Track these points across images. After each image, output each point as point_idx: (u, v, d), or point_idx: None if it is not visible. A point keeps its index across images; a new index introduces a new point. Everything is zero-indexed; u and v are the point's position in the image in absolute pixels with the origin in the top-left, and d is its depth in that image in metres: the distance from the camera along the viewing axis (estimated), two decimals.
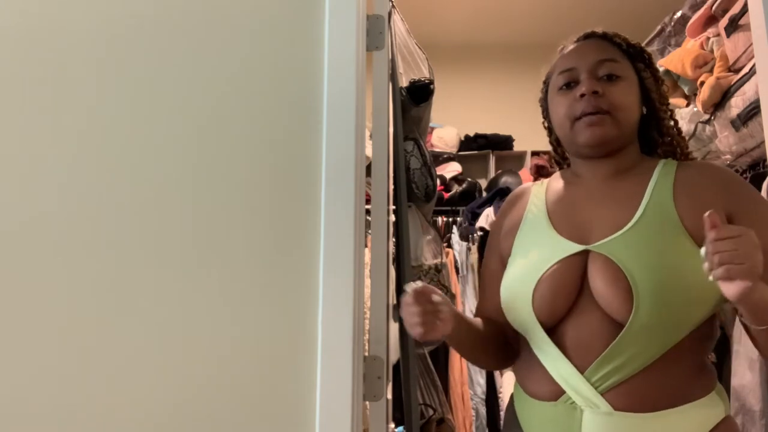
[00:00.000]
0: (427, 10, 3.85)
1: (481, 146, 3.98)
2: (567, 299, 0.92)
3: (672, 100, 2.17)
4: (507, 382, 2.85)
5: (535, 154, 3.89)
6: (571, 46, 1.06)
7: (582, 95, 0.97)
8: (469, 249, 3.15)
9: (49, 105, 1.16)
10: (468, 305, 3.02)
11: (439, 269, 1.65)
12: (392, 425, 1.45)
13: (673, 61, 2.10)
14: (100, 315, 1.09)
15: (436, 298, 0.88)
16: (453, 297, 1.63)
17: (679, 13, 2.28)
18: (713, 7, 1.96)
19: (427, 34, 3.73)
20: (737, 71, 1.83)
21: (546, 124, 1.14)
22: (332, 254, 1.10)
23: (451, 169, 3.77)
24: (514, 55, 4.25)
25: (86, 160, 1.14)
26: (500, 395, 2.90)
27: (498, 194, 3.25)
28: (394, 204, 1.56)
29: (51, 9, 1.19)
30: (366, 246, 1.29)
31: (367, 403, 1.16)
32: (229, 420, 1.06)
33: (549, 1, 3.76)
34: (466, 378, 2.90)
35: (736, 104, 1.78)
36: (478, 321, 1.05)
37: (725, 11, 1.89)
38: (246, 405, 1.07)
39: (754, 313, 0.80)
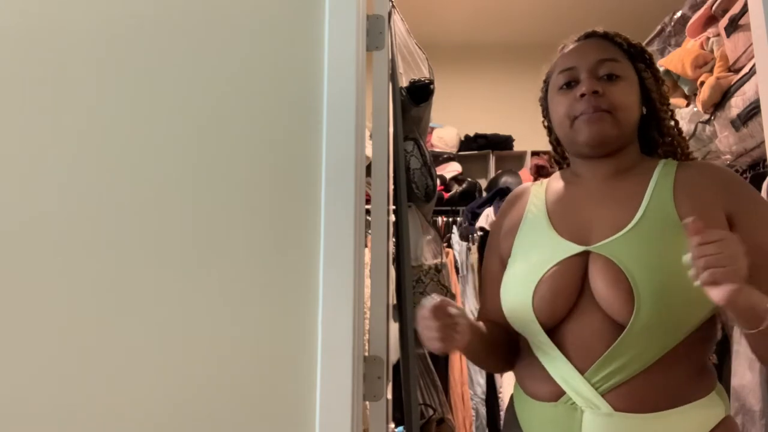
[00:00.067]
0: (427, 10, 3.85)
1: (481, 146, 3.99)
2: (567, 300, 0.92)
3: (672, 100, 2.16)
4: (507, 382, 2.85)
5: (535, 154, 3.89)
6: (572, 46, 1.06)
7: (582, 95, 0.97)
8: (469, 249, 3.15)
9: (49, 105, 1.16)
10: (468, 305, 3.02)
11: (439, 269, 1.65)
12: (392, 425, 1.45)
13: (673, 61, 2.10)
14: (100, 315, 1.09)
15: (453, 310, 0.89)
16: (453, 297, 1.63)
17: (679, 13, 2.28)
18: (713, 7, 1.96)
19: (427, 34, 3.73)
20: (737, 71, 1.83)
21: (546, 124, 1.14)
22: (332, 254, 1.10)
23: (451, 169, 3.77)
24: (514, 55, 4.25)
25: (86, 160, 1.14)
26: (500, 395, 2.90)
27: (498, 194, 3.25)
28: (394, 204, 1.56)
29: (51, 9, 1.19)
30: (366, 246, 1.29)
31: (367, 403, 1.16)
32: (229, 420, 1.06)
33: (549, 1, 3.76)
34: (466, 378, 2.90)
35: (736, 104, 1.78)
36: (483, 326, 1.05)
37: (725, 11, 1.89)
38: (246, 405, 1.07)
39: (743, 318, 0.80)
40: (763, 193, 1.70)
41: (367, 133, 1.37)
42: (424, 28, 3.81)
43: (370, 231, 1.27)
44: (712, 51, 1.97)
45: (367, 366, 1.14)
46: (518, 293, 0.95)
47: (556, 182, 1.09)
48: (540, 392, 0.95)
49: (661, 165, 1.00)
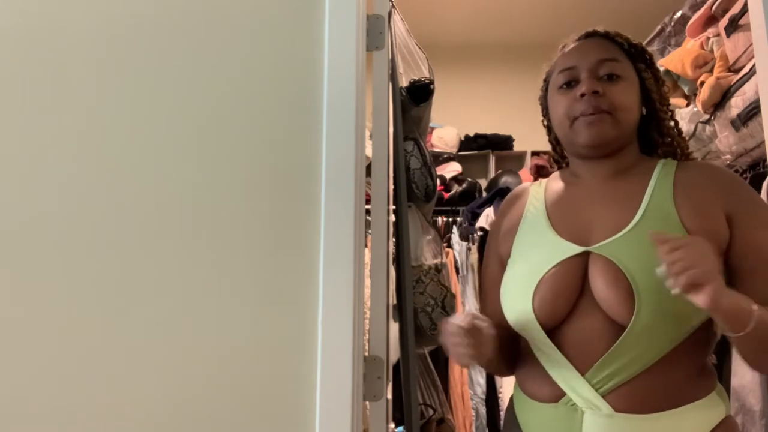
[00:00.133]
0: (427, 10, 3.85)
1: (481, 146, 3.99)
2: (568, 301, 0.91)
3: (672, 100, 2.16)
4: (507, 382, 2.85)
5: (535, 154, 3.89)
6: (573, 45, 1.06)
7: (582, 95, 0.97)
8: (469, 249, 3.15)
9: (49, 105, 1.16)
10: (468, 305, 3.03)
11: (439, 269, 1.64)
12: (392, 425, 1.45)
13: (673, 61, 2.10)
14: (100, 315, 1.09)
15: (481, 324, 0.88)
16: (453, 297, 1.63)
17: (679, 13, 2.28)
18: (713, 7, 1.96)
19: (427, 34, 3.73)
20: (737, 71, 1.83)
21: (545, 123, 1.14)
22: (332, 254, 1.10)
23: (451, 169, 3.77)
24: (514, 55, 4.25)
25: (86, 160, 1.14)
26: (500, 395, 2.90)
27: (498, 194, 3.25)
28: (394, 204, 1.56)
29: (51, 9, 1.19)
30: (366, 246, 1.29)
31: (367, 403, 1.16)
32: (229, 420, 1.06)
33: (549, 1, 3.76)
34: (466, 378, 2.90)
35: (736, 104, 1.78)
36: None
37: (725, 11, 1.89)
38: (246, 405, 1.07)
39: (729, 320, 0.80)
40: (763, 193, 1.70)
41: (367, 133, 1.37)
42: (424, 28, 3.81)
43: (370, 231, 1.27)
44: (712, 51, 1.96)
45: (367, 366, 1.14)
46: (518, 294, 0.95)
47: (555, 182, 1.08)
48: (540, 393, 0.94)
49: (661, 165, 1.00)
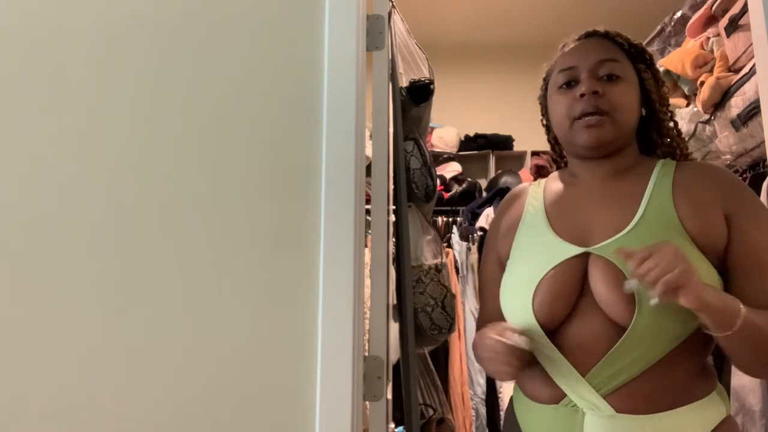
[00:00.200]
0: (427, 10, 3.85)
1: (481, 146, 3.98)
2: (568, 302, 0.91)
3: (672, 100, 2.17)
4: (507, 382, 2.85)
5: (535, 154, 3.89)
6: (573, 44, 1.06)
7: (582, 95, 0.97)
8: (469, 249, 3.15)
9: (49, 105, 1.16)
10: (468, 305, 3.03)
11: (439, 269, 1.64)
12: (392, 425, 1.45)
13: (673, 61, 2.10)
14: (99, 315, 1.09)
15: (519, 340, 0.88)
16: (453, 297, 1.63)
17: (679, 13, 2.28)
18: (713, 7, 1.96)
19: (427, 34, 3.73)
20: (737, 71, 1.83)
21: (544, 122, 1.14)
22: (332, 254, 1.10)
23: (451, 169, 3.77)
24: (514, 55, 4.25)
25: (86, 160, 1.14)
26: (500, 395, 2.90)
27: (498, 194, 3.25)
28: (394, 204, 1.56)
29: (51, 9, 1.19)
30: (366, 246, 1.29)
31: (367, 403, 1.16)
32: (229, 420, 1.06)
33: (549, 1, 3.76)
34: (466, 378, 2.90)
35: (736, 104, 1.78)
36: None
37: (725, 11, 1.89)
38: (246, 405, 1.07)
39: (717, 320, 0.81)
40: (764, 193, 1.70)
41: (367, 133, 1.37)
42: (424, 28, 3.81)
43: (370, 231, 1.27)
44: (712, 51, 1.97)
45: (367, 366, 1.14)
46: (518, 295, 0.95)
47: (553, 183, 1.08)
48: (540, 395, 0.94)
49: (660, 165, 1.00)
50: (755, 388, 1.65)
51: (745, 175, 1.89)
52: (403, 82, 1.75)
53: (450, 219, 3.45)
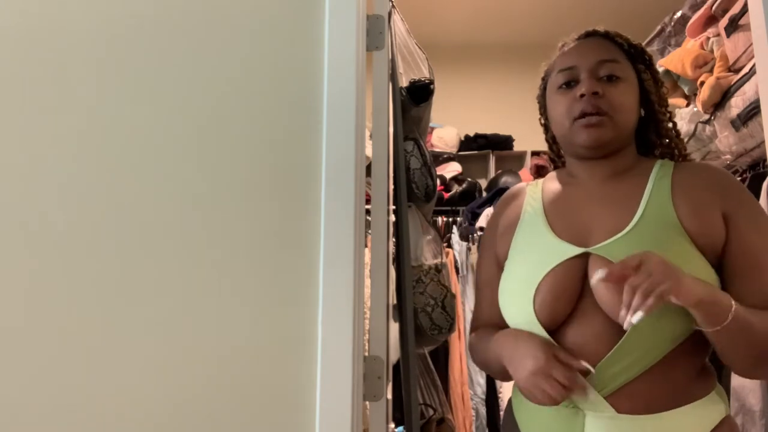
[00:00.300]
0: (427, 10, 3.85)
1: (481, 146, 3.99)
2: (568, 302, 0.91)
3: (672, 100, 2.17)
4: (507, 382, 2.84)
5: (535, 154, 3.90)
6: (572, 44, 1.06)
7: (582, 95, 0.97)
8: (469, 249, 3.15)
9: (49, 105, 1.16)
10: (468, 305, 3.03)
11: (439, 269, 1.64)
12: (392, 425, 1.45)
13: (673, 61, 2.10)
14: (99, 315, 1.09)
15: (570, 360, 0.88)
16: (453, 297, 1.63)
17: (679, 13, 2.29)
18: (713, 7, 1.96)
19: (427, 34, 3.73)
20: (737, 71, 1.83)
21: (543, 121, 1.13)
22: (332, 254, 1.10)
23: (451, 169, 3.77)
24: (514, 55, 4.25)
25: (86, 160, 1.14)
26: (500, 395, 2.90)
27: (498, 194, 3.25)
28: (394, 204, 1.56)
29: (51, 9, 1.19)
30: (366, 246, 1.29)
31: (367, 403, 1.16)
32: (229, 420, 1.06)
33: (549, 1, 3.76)
34: (466, 378, 2.90)
35: (736, 104, 1.78)
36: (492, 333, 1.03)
37: (725, 11, 1.89)
38: (246, 405, 1.07)
39: (709, 314, 0.81)
40: (763, 193, 1.70)
41: (367, 133, 1.37)
42: (424, 28, 3.81)
43: (370, 231, 1.27)
44: (712, 51, 1.97)
45: (367, 366, 1.14)
46: (518, 296, 0.95)
47: (551, 183, 1.08)
48: None
49: (658, 166, 1.00)
50: (755, 388, 1.65)
51: (744, 175, 1.89)
52: (403, 82, 1.75)
53: (450, 219, 3.45)
